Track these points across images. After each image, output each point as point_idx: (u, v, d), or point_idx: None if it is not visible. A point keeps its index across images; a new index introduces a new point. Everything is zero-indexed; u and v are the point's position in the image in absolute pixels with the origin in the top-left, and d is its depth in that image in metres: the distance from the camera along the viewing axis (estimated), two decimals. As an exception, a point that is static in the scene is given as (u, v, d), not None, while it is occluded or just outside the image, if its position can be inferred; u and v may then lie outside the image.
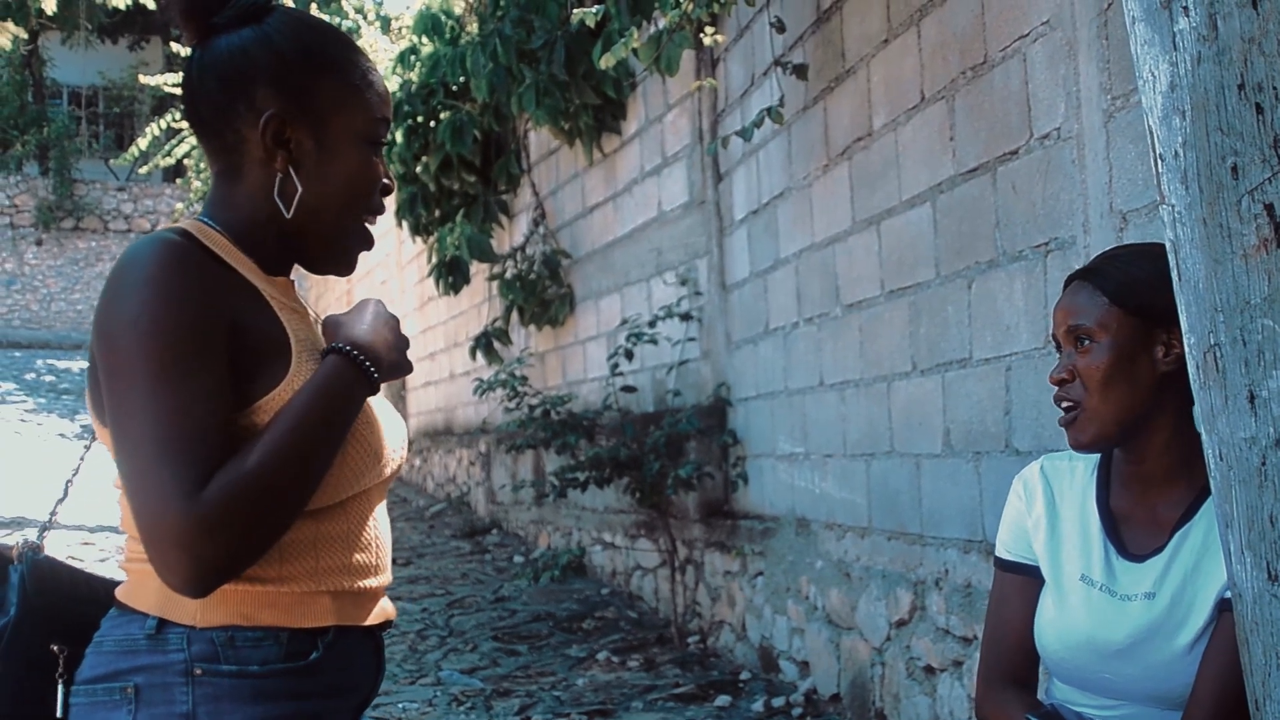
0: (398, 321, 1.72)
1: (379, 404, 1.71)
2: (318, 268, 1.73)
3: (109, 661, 1.55)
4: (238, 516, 1.41)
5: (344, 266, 1.74)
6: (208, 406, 1.45)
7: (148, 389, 1.44)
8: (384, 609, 1.72)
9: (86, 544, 9.21)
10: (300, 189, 1.62)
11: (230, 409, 1.50)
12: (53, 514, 1.87)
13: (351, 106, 1.65)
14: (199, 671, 1.52)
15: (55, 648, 1.64)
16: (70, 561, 1.80)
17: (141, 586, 1.57)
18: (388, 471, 1.69)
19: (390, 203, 10.52)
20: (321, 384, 1.54)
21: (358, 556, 1.64)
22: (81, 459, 1.89)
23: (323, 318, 1.74)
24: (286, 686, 1.56)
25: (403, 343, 1.71)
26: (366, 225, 1.72)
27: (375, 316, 1.68)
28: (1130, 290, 1.96)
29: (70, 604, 1.70)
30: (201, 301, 1.48)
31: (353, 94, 1.65)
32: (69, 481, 1.93)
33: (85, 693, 1.56)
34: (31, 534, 1.83)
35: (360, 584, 1.64)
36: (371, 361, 1.60)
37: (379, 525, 1.71)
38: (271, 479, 1.45)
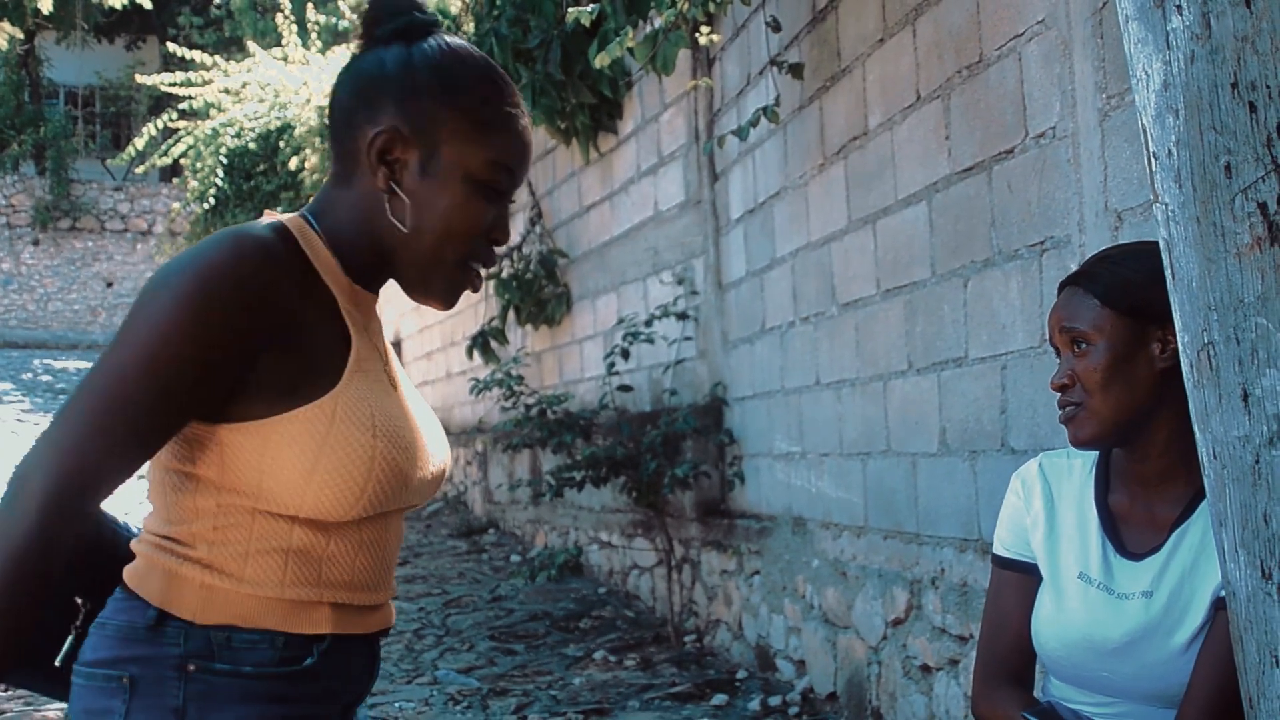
0: None
1: (427, 426, 1.71)
2: (408, 292, 1.71)
3: (110, 646, 1.56)
4: (25, 556, 1.43)
5: (434, 300, 1.69)
6: (165, 413, 1.49)
7: (128, 361, 1.47)
8: (383, 618, 1.72)
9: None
10: (388, 207, 1.62)
11: (241, 412, 1.53)
12: None
13: (469, 142, 1.62)
14: (192, 668, 1.53)
15: (79, 600, 1.66)
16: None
17: (148, 574, 1.58)
18: (415, 499, 1.68)
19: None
20: None
21: (363, 573, 1.65)
22: None
23: None
24: (277, 689, 1.57)
25: None
26: (469, 268, 1.67)
27: None
28: (1121, 291, 1.97)
29: (96, 554, 1.69)
30: (244, 298, 1.49)
31: (477, 132, 1.62)
32: None
33: (85, 675, 1.57)
34: None
35: (361, 599, 1.65)
36: None
37: (393, 544, 1.71)
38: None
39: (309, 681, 1.60)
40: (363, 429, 1.55)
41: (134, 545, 1.63)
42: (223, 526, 1.56)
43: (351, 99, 1.65)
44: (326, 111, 1.69)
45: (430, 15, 1.67)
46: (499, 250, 1.70)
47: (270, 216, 1.64)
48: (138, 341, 1.47)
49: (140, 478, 1.60)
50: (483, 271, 1.71)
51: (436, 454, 1.71)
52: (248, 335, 1.50)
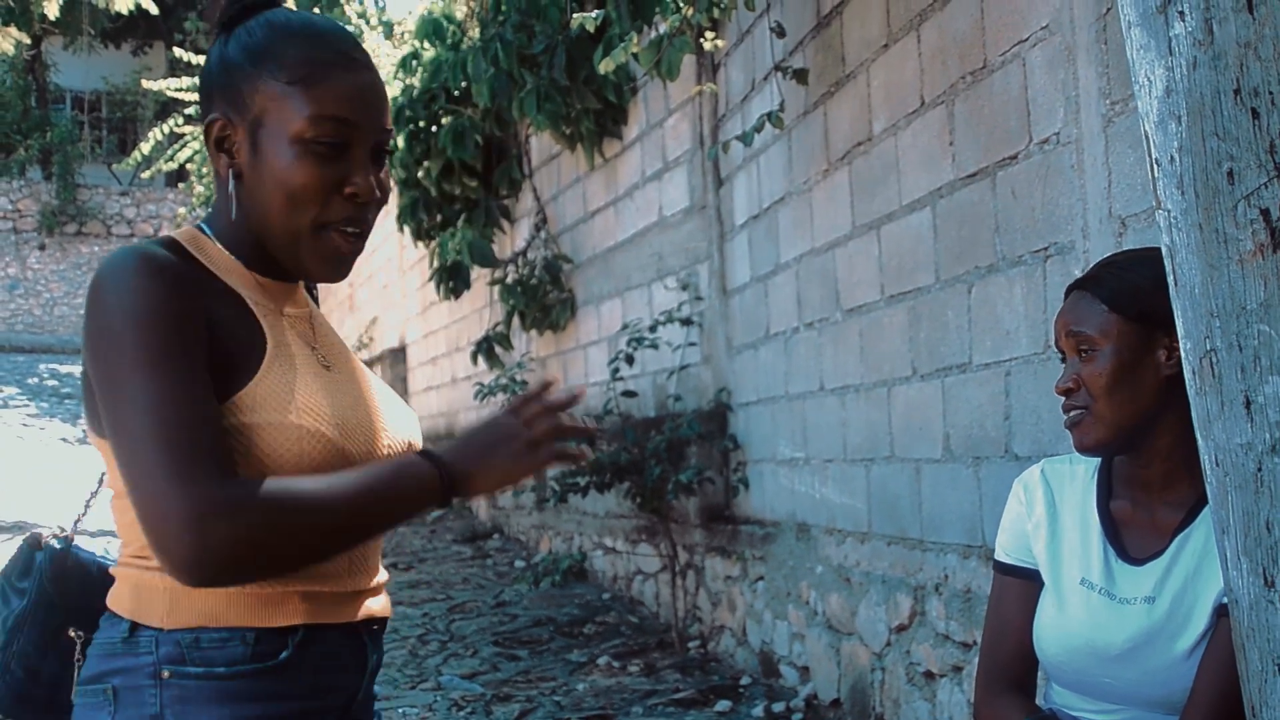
0: (526, 443, 1.63)
1: (376, 401, 1.70)
2: (293, 273, 1.69)
3: (96, 663, 1.58)
4: (267, 520, 1.42)
5: (315, 274, 1.67)
6: (201, 395, 1.47)
7: (141, 384, 1.44)
8: (369, 608, 1.69)
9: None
10: (235, 194, 1.62)
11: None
12: (76, 523, 1.88)
13: (289, 107, 1.58)
14: (166, 674, 1.53)
15: (72, 632, 1.68)
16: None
17: (120, 590, 1.59)
18: None
19: (392, 208, 10.52)
20: (402, 474, 1.55)
21: (330, 560, 1.62)
22: (103, 474, 1.88)
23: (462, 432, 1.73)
24: (255, 688, 1.55)
25: (514, 470, 1.63)
26: (335, 234, 1.63)
27: (496, 443, 1.62)
28: (1129, 297, 1.97)
29: (88, 594, 1.71)
30: (179, 303, 1.49)
31: (293, 94, 1.58)
32: (92, 495, 1.94)
33: (80, 694, 1.59)
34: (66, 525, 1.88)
35: (334, 587, 1.62)
36: (457, 484, 1.58)
37: None
38: (309, 512, 1.47)
39: (288, 677, 1.57)
40: (284, 410, 1.54)
41: (112, 570, 1.65)
42: None
43: (200, 101, 1.68)
44: None
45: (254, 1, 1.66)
46: (368, 208, 1.65)
47: (163, 234, 1.66)
48: (127, 348, 1.46)
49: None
50: (354, 231, 1.65)
51: (390, 428, 1.69)
52: (191, 299, 1.51)
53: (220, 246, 1.64)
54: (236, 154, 1.61)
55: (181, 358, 1.46)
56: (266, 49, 1.61)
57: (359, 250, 1.67)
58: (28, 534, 1.83)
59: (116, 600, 1.59)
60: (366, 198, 1.63)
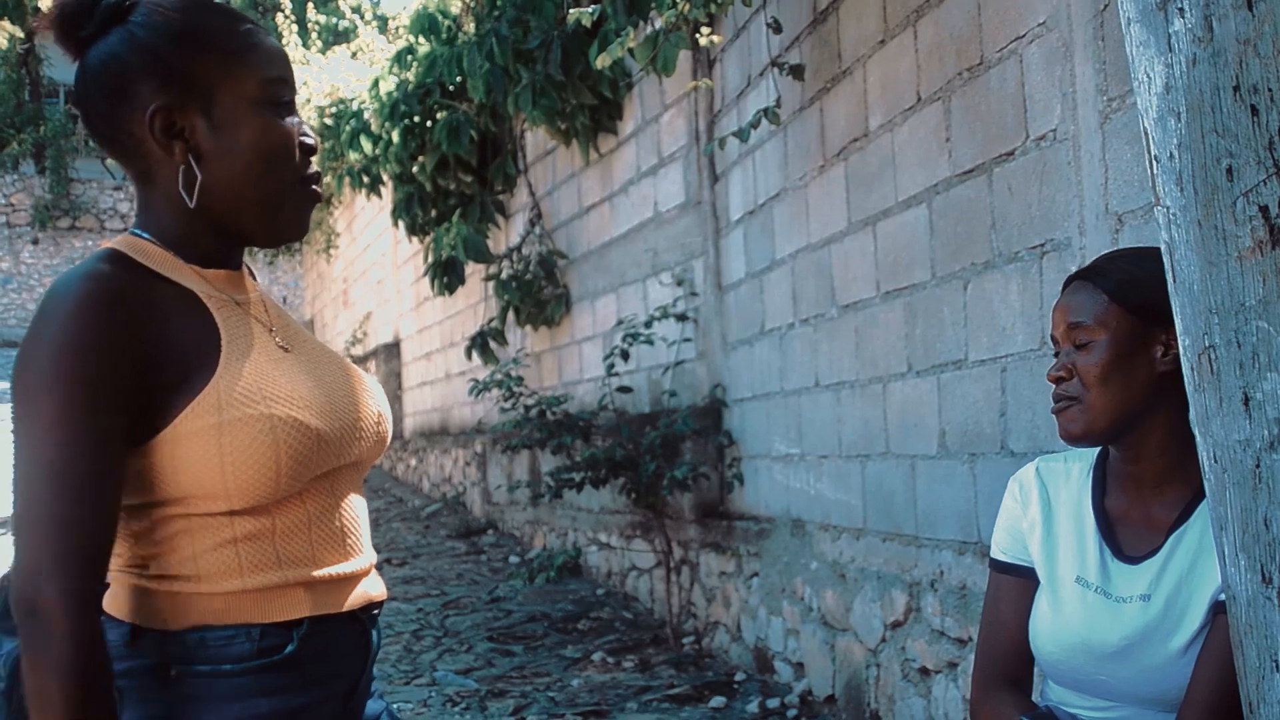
0: None
1: (344, 382, 1.70)
2: (269, 241, 1.69)
3: None
4: (56, 661, 1.41)
5: (293, 232, 1.70)
6: (106, 467, 1.46)
7: (45, 437, 1.45)
8: (366, 593, 1.69)
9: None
10: (200, 175, 1.60)
11: (139, 435, 1.51)
12: None
13: (237, 74, 1.60)
14: (174, 673, 1.54)
15: None
16: None
17: (116, 594, 1.59)
18: (352, 455, 1.66)
19: (387, 202, 10.52)
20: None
21: (324, 543, 1.63)
22: None
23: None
24: (264, 683, 1.56)
25: None
26: (307, 188, 1.67)
27: None
28: (1131, 289, 1.97)
29: None
30: (107, 351, 1.47)
31: (235, 61, 1.61)
32: None
33: None
34: None
35: (331, 571, 1.63)
36: None
37: (351, 509, 1.69)
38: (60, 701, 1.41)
39: (294, 670, 1.58)
40: (252, 402, 1.54)
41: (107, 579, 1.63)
42: (164, 539, 1.56)
43: (105, 101, 1.61)
44: (84, 125, 1.67)
45: None
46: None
47: (102, 244, 1.63)
48: (42, 416, 1.46)
49: None
50: (317, 186, 1.70)
51: (357, 408, 1.69)
52: (127, 362, 1.49)
53: (160, 248, 1.62)
54: (191, 135, 1.60)
55: (93, 415, 1.45)
56: (192, 28, 1.60)
57: (317, 199, 1.72)
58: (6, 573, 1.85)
59: (113, 603, 1.59)
60: (315, 150, 1.68)
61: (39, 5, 13.49)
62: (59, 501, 1.43)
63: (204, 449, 1.52)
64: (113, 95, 1.60)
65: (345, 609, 1.65)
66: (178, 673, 1.54)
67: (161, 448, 1.52)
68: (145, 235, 1.63)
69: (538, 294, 8.41)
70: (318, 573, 1.61)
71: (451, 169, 8.80)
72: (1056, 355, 2.06)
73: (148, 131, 1.58)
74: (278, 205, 1.65)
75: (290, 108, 1.65)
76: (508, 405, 7.04)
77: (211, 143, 1.60)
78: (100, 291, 1.49)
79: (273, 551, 1.58)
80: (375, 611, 1.73)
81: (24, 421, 1.46)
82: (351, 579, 1.67)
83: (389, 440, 1.78)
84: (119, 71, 1.59)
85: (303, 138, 1.66)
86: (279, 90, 1.63)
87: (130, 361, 1.49)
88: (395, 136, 8.82)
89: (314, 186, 1.68)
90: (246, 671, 1.55)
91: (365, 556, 1.71)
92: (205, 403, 1.52)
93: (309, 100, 11.86)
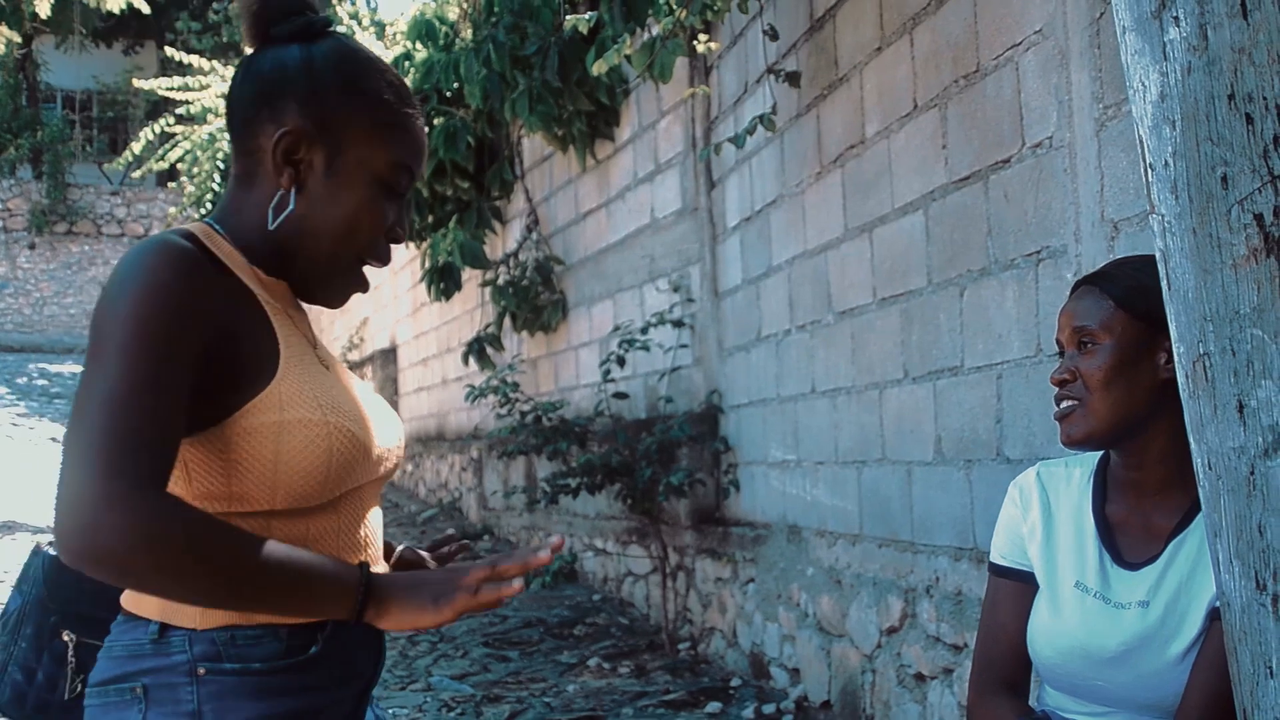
0: (453, 580, 1.61)
1: (372, 401, 1.74)
2: (303, 293, 1.72)
3: (118, 665, 1.58)
4: (172, 539, 1.38)
5: (328, 299, 1.74)
6: (168, 406, 1.44)
7: (118, 372, 1.43)
8: None
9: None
10: (292, 207, 1.64)
11: (193, 422, 1.51)
12: None
13: (373, 144, 1.65)
14: (202, 671, 1.55)
15: (65, 635, 1.71)
16: None
17: (144, 594, 1.59)
18: (381, 470, 1.71)
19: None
20: (327, 572, 1.53)
21: (349, 551, 1.67)
22: None
23: (399, 550, 1.85)
24: (289, 682, 1.59)
25: (426, 617, 1.59)
26: (363, 268, 1.71)
27: (428, 584, 1.61)
28: (1138, 295, 1.97)
29: (83, 599, 1.76)
30: (188, 309, 1.49)
31: (379, 133, 1.65)
32: None
33: (98, 694, 1.59)
34: (24, 537, 1.92)
35: None
36: (370, 609, 1.57)
37: (372, 520, 1.73)
38: (213, 552, 1.43)
39: (318, 669, 1.61)
40: (312, 408, 1.57)
41: None
42: None
43: (252, 100, 1.65)
44: (226, 105, 1.71)
45: (325, 16, 1.69)
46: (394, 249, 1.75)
47: (175, 226, 1.65)
48: (119, 340, 1.45)
49: None
50: (380, 264, 1.73)
51: (386, 427, 1.73)
52: (205, 304, 1.51)
53: (231, 244, 1.65)
54: (304, 170, 1.64)
55: (166, 363, 1.45)
56: (361, 82, 1.65)
57: (366, 288, 1.76)
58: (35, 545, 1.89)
59: (140, 604, 1.60)
60: (401, 241, 1.72)
61: (37, 10, 13.46)
62: (122, 422, 1.40)
63: (261, 445, 1.54)
64: (262, 98, 1.65)
65: None
66: (206, 671, 1.55)
67: (217, 440, 1.54)
68: (219, 229, 1.66)
69: (534, 300, 8.41)
70: None
71: (448, 175, 8.80)
72: (1061, 357, 2.07)
73: (272, 145, 1.62)
74: (332, 271, 1.69)
75: (402, 197, 1.70)
76: (504, 411, 7.04)
77: (318, 186, 1.64)
78: (179, 254, 1.52)
79: None
80: None
81: (96, 358, 1.46)
82: None
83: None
84: (279, 82, 1.64)
85: (396, 228, 1.70)
86: (400, 178, 1.68)
87: (204, 326, 1.50)
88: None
89: (365, 271, 1.72)
90: (274, 670, 1.57)
91: (380, 566, 1.74)
92: (269, 400, 1.55)
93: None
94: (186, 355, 1.47)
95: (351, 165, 1.64)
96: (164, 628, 1.57)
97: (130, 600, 1.62)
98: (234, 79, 1.69)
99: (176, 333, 1.46)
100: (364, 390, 1.76)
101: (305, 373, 1.61)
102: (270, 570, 1.46)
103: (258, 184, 1.66)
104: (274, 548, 1.47)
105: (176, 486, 1.55)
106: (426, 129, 1.57)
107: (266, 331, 1.60)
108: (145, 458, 1.40)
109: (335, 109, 1.63)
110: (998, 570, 2.19)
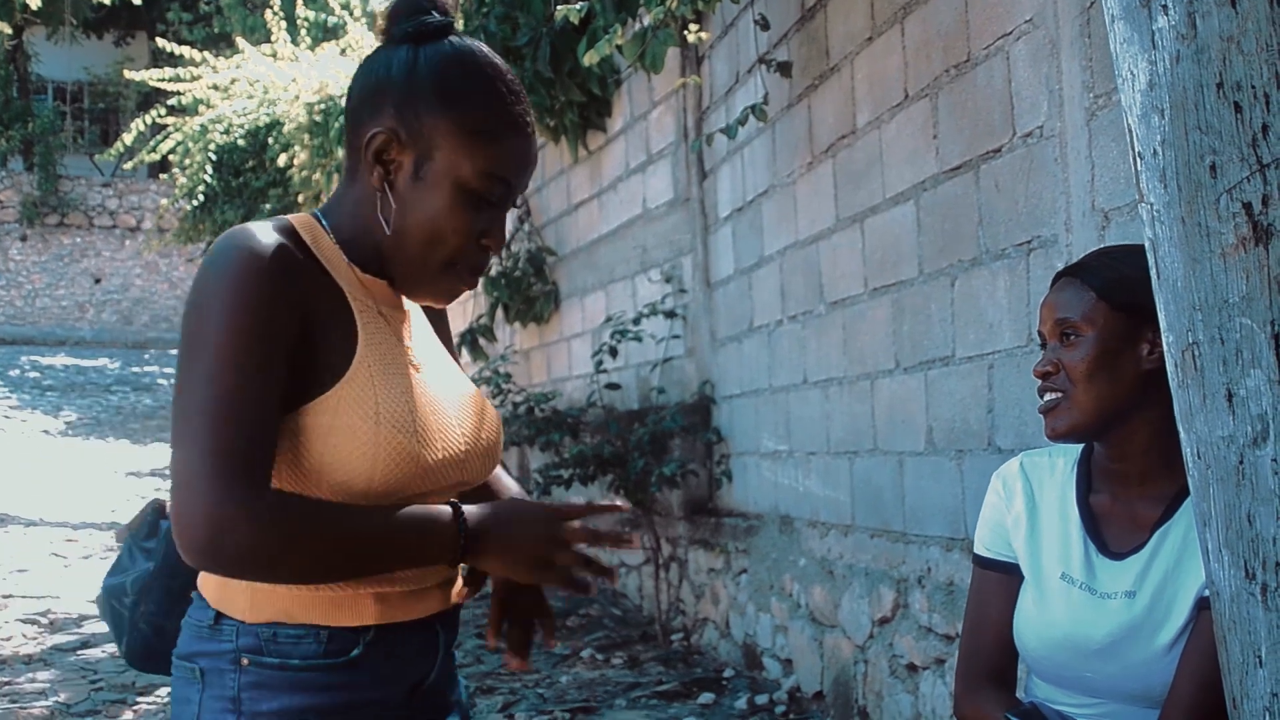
0: (554, 538, 1.70)
1: (459, 408, 1.74)
2: (401, 289, 1.73)
3: (187, 643, 1.67)
4: (284, 537, 1.49)
5: (425, 299, 1.74)
6: (264, 401, 1.52)
7: (215, 374, 1.50)
8: (438, 601, 1.74)
9: (70, 540, 9.18)
10: (379, 206, 1.65)
11: (283, 408, 1.57)
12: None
13: (463, 153, 1.63)
14: (245, 661, 1.62)
15: (194, 594, 1.75)
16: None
17: (207, 577, 1.67)
18: (448, 480, 1.70)
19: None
20: (426, 527, 1.59)
21: None
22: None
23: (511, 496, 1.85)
24: (326, 679, 1.63)
25: (524, 568, 1.69)
26: (458, 275, 1.69)
27: (526, 535, 1.68)
28: (1119, 287, 1.97)
29: None
30: (275, 302, 1.53)
31: (471, 143, 1.63)
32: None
33: (176, 666, 1.69)
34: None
35: (407, 586, 1.67)
36: (470, 554, 1.63)
37: None
38: (326, 535, 1.53)
39: (358, 671, 1.65)
40: (365, 418, 1.58)
41: None
42: None
43: (359, 97, 1.68)
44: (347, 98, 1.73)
45: (446, 19, 1.68)
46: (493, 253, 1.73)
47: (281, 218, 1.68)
48: (210, 333, 1.51)
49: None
50: (475, 272, 1.71)
51: (462, 436, 1.72)
52: (289, 298, 1.55)
53: (332, 240, 1.67)
54: (394, 172, 1.64)
55: (259, 360, 1.51)
56: (458, 88, 1.63)
57: (471, 287, 1.73)
58: (152, 500, 1.97)
59: (204, 586, 1.67)
60: (498, 251, 1.70)
61: (27, 2, 13.42)
62: (231, 429, 1.48)
63: (310, 445, 1.57)
64: (366, 96, 1.66)
65: (414, 617, 1.70)
66: (249, 662, 1.62)
67: (279, 430, 1.57)
68: (324, 223, 1.68)
69: (527, 291, 8.41)
70: (389, 587, 1.66)
71: (440, 166, 8.79)
72: (1044, 349, 2.07)
73: (363, 143, 1.64)
74: (421, 273, 1.68)
75: (496, 205, 1.67)
76: (496, 402, 7.04)
77: (405, 188, 1.64)
78: (265, 252, 1.55)
79: None
80: (448, 614, 1.78)
81: (195, 360, 1.51)
82: (422, 593, 1.71)
83: (500, 450, 1.83)
84: (382, 81, 1.65)
85: (488, 237, 1.67)
86: (491, 187, 1.65)
87: (289, 324, 1.54)
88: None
89: (461, 278, 1.69)
90: (312, 668, 1.62)
91: (438, 573, 1.73)
92: (327, 402, 1.58)
93: (298, 97, 11.82)
94: (278, 355, 1.53)
95: (439, 171, 1.63)
96: (219, 615, 1.64)
97: (200, 579, 1.68)
98: (352, 77, 1.71)
99: (267, 333, 1.52)
100: (459, 395, 1.76)
101: (377, 377, 1.62)
102: (377, 539, 1.56)
103: (357, 180, 1.67)
104: (373, 516, 1.56)
105: None
106: (534, 148, 1.56)
107: (345, 332, 1.62)
108: (255, 461, 1.50)
109: (427, 114, 1.62)
110: (982, 562, 2.19)
